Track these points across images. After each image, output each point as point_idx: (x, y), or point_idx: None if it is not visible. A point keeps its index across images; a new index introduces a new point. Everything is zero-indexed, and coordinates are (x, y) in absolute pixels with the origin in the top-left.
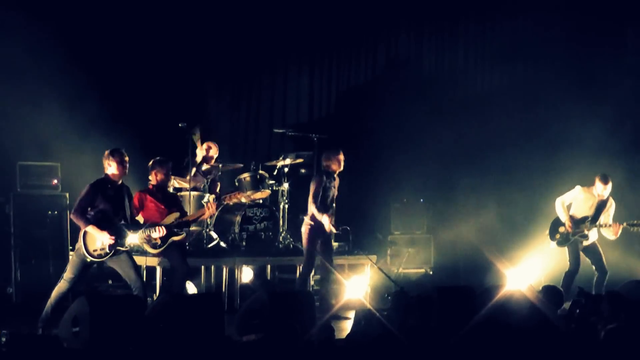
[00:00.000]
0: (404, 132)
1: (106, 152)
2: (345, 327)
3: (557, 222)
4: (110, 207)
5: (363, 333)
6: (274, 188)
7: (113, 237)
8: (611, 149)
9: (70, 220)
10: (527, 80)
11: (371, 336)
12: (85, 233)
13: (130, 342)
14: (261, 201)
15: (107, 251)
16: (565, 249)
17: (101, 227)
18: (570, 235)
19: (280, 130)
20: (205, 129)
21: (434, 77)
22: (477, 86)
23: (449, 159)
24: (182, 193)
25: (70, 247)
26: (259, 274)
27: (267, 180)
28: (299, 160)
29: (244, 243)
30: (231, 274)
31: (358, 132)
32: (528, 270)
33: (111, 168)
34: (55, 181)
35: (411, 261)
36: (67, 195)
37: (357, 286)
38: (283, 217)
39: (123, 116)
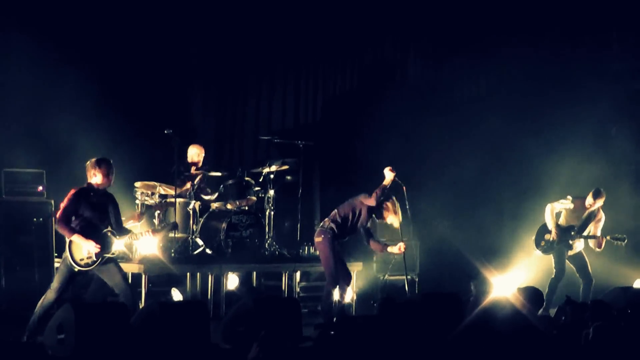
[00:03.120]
0: (389, 139)
1: (92, 161)
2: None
3: (543, 230)
4: (94, 215)
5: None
6: (260, 195)
7: (99, 245)
8: (596, 155)
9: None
10: (513, 87)
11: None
12: (70, 242)
13: (116, 350)
14: (247, 208)
15: (94, 259)
16: (551, 256)
17: (86, 235)
18: (555, 243)
19: (266, 137)
20: (189, 134)
21: (419, 84)
22: (463, 93)
23: (435, 165)
24: (169, 200)
25: (56, 254)
26: (245, 280)
27: (252, 187)
28: (285, 167)
29: (229, 250)
30: (217, 281)
31: (343, 139)
32: (514, 276)
33: (96, 178)
34: (41, 188)
35: (397, 268)
36: (53, 202)
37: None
38: (269, 224)
39: (108, 123)
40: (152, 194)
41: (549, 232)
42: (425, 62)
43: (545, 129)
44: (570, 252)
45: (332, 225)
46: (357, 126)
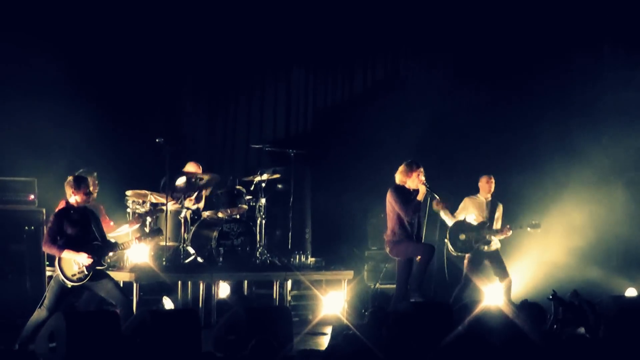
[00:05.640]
0: (381, 148)
1: (69, 180)
2: (323, 343)
3: (455, 229)
4: (78, 231)
5: (340, 348)
6: (251, 203)
7: (91, 256)
8: (587, 164)
9: None
10: (504, 96)
11: (348, 352)
12: (60, 260)
13: (107, 358)
14: (238, 216)
15: (86, 273)
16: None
17: (76, 250)
18: (474, 242)
19: (258, 146)
20: (181, 143)
21: (412, 94)
22: (455, 104)
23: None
24: (159, 207)
25: (47, 263)
26: (236, 289)
27: (244, 196)
28: (276, 176)
29: (221, 258)
30: (208, 289)
31: (335, 147)
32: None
33: (75, 197)
34: (32, 196)
35: (388, 277)
36: (44, 210)
37: (334, 301)
38: (260, 232)
39: (99, 132)
40: (143, 202)
41: (463, 231)
42: (416, 71)
43: (536, 138)
44: (487, 248)
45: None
46: (348, 135)
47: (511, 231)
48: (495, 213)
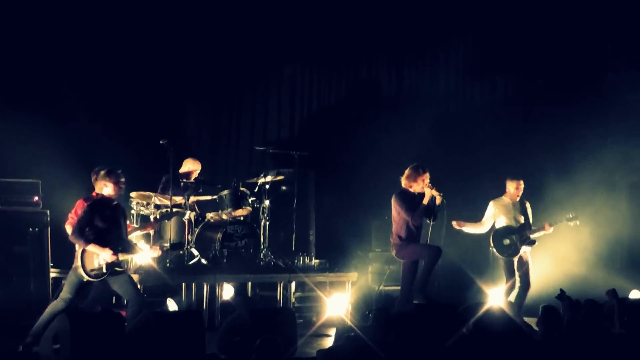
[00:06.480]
0: (385, 150)
1: (102, 172)
2: (327, 345)
3: (498, 236)
4: (107, 226)
5: (344, 350)
6: (255, 205)
7: (115, 254)
8: (591, 166)
9: (52, 237)
10: (504, 99)
11: (351, 353)
12: (83, 252)
13: None
14: (242, 218)
15: (104, 271)
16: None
17: (102, 245)
18: (519, 244)
19: (261, 148)
20: (185, 144)
21: (414, 96)
22: (457, 104)
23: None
24: (162, 210)
25: (52, 264)
26: (240, 291)
27: (248, 197)
28: (280, 178)
29: (224, 260)
30: (212, 291)
31: (339, 149)
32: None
33: (107, 189)
34: (37, 198)
35: (392, 279)
36: (48, 212)
37: (338, 303)
38: (264, 234)
39: (103, 134)
40: (148, 204)
41: (507, 235)
42: (418, 73)
43: (539, 141)
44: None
45: None
46: (353, 137)
47: (552, 227)
48: (527, 212)
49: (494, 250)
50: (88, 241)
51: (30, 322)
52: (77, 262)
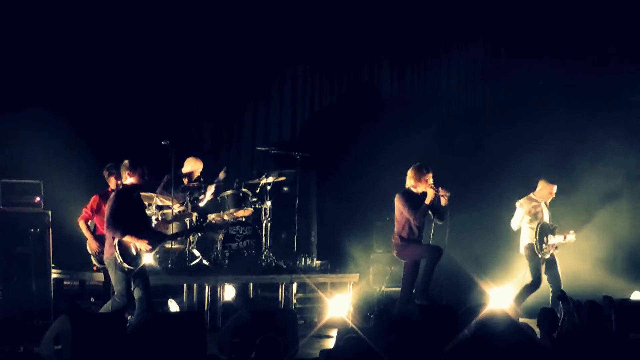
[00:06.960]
0: (386, 150)
1: (125, 163)
2: (328, 346)
3: (542, 233)
4: (137, 215)
5: (345, 351)
6: (257, 206)
7: (150, 245)
8: (594, 167)
9: (53, 237)
10: (506, 100)
11: (353, 355)
12: (120, 243)
13: None
14: (244, 219)
15: (138, 262)
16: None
17: (137, 236)
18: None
19: (263, 148)
20: (187, 145)
21: (415, 96)
22: (459, 105)
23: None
24: (165, 211)
25: (53, 265)
26: (242, 292)
27: (249, 198)
28: (282, 178)
29: (226, 261)
30: (213, 292)
31: (341, 150)
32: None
33: (131, 179)
34: (38, 199)
35: (394, 280)
36: (50, 213)
37: (339, 304)
38: (265, 235)
39: (106, 134)
40: (150, 205)
41: (548, 232)
42: (420, 74)
43: (543, 142)
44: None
45: None
46: (354, 137)
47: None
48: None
49: (536, 246)
50: (125, 232)
51: (30, 322)
52: (116, 254)
